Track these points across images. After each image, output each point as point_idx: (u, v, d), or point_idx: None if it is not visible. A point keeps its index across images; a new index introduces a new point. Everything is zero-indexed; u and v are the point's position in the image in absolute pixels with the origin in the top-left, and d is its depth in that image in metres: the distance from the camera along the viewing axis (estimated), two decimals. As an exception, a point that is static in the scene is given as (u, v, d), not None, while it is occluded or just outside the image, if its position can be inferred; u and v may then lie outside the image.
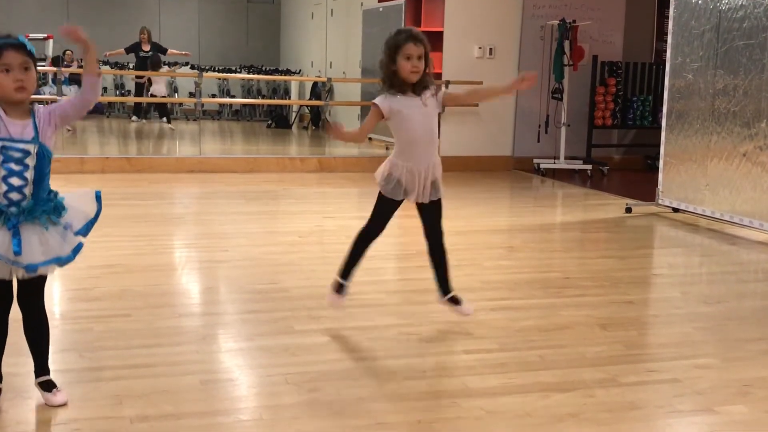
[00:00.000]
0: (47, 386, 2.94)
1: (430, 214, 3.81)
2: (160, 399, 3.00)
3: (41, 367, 2.96)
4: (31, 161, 2.73)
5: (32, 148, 2.73)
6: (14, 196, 2.73)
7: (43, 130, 2.78)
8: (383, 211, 3.79)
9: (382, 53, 3.65)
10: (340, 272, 3.89)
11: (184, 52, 13.75)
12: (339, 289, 3.89)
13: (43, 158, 2.77)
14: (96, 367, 3.29)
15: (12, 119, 2.73)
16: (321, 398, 3.06)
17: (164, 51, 13.11)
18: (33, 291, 2.87)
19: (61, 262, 2.79)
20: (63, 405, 2.90)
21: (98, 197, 2.91)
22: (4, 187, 2.72)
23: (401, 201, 3.77)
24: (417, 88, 3.66)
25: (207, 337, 3.77)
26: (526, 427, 2.87)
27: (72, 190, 2.95)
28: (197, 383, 3.18)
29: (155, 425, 2.80)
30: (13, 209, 2.72)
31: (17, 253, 2.68)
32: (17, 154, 2.71)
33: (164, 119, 13.59)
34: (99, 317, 3.95)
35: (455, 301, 3.93)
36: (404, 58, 3.58)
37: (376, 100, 3.68)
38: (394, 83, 3.64)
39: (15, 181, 2.73)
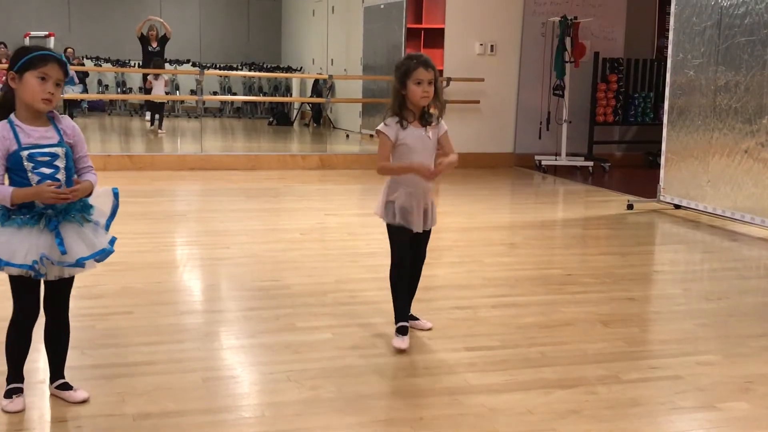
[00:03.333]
0: (66, 386, 2.97)
1: (421, 240, 3.74)
2: (162, 396, 3.01)
3: (59, 371, 2.99)
4: (60, 163, 2.77)
5: (60, 151, 2.78)
6: None
7: (65, 136, 2.82)
8: (398, 240, 3.67)
9: (393, 78, 3.60)
10: (396, 317, 3.71)
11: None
12: (402, 331, 3.67)
13: (71, 159, 2.82)
14: (98, 365, 3.30)
15: (31, 126, 2.77)
16: (323, 395, 3.07)
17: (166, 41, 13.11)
18: (61, 298, 2.90)
19: (105, 253, 2.84)
20: (86, 401, 2.92)
21: (116, 194, 2.95)
22: None
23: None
24: (423, 118, 3.62)
25: (209, 334, 3.78)
26: (527, 424, 2.87)
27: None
28: (199, 380, 3.18)
29: (157, 423, 2.80)
30: (50, 211, 2.76)
31: (63, 252, 2.74)
32: (45, 158, 2.75)
33: (156, 122, 12.93)
34: (101, 315, 3.96)
35: (413, 317, 3.88)
36: (415, 83, 3.53)
37: (382, 129, 3.61)
38: (404, 110, 3.60)
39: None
